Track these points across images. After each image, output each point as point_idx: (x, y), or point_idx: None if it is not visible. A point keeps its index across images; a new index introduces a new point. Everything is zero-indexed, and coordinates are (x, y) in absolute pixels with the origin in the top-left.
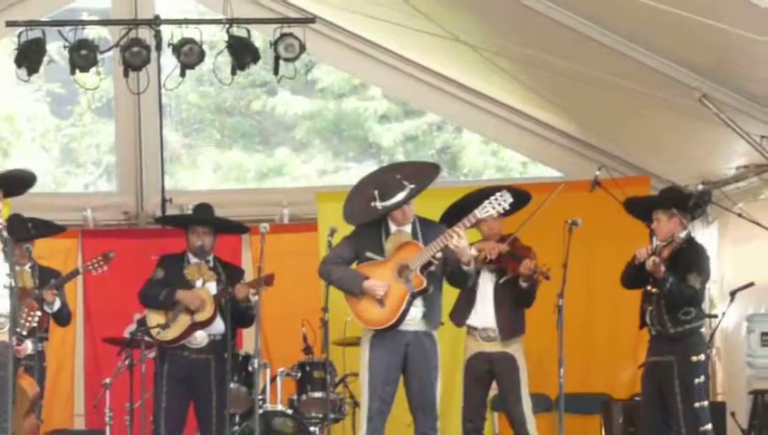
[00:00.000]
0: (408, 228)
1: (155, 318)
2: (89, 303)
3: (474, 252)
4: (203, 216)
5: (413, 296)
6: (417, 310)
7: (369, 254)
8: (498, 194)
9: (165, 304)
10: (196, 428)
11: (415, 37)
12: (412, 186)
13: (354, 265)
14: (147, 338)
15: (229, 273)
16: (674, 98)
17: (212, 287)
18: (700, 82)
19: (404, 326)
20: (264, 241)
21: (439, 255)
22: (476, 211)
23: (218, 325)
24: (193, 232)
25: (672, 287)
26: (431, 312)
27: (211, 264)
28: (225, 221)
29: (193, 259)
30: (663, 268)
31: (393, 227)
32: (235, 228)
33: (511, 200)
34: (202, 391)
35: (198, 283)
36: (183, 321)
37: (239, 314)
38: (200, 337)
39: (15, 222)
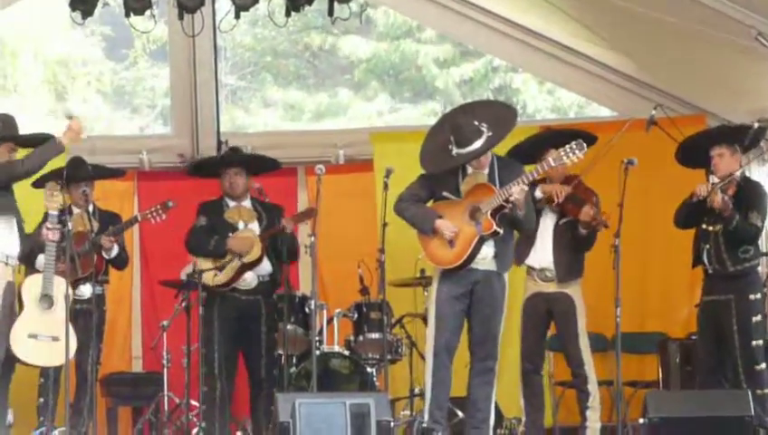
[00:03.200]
0: (485, 169)
1: (204, 265)
2: (145, 245)
3: (538, 193)
4: (229, 156)
5: (482, 239)
6: (488, 249)
7: (445, 193)
8: (574, 143)
9: (216, 253)
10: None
11: None
12: (490, 134)
13: (430, 204)
14: (200, 284)
15: (268, 211)
16: (730, 36)
17: (254, 228)
18: (756, 19)
19: (474, 265)
20: (320, 182)
21: (513, 198)
22: (550, 159)
23: (266, 266)
24: (224, 175)
25: (738, 226)
26: (503, 253)
27: (249, 205)
28: (253, 157)
29: (231, 202)
30: (731, 206)
31: (470, 169)
32: (267, 164)
33: (585, 150)
34: (253, 333)
35: (240, 225)
36: (233, 264)
37: (285, 250)
38: (249, 278)
39: (76, 163)
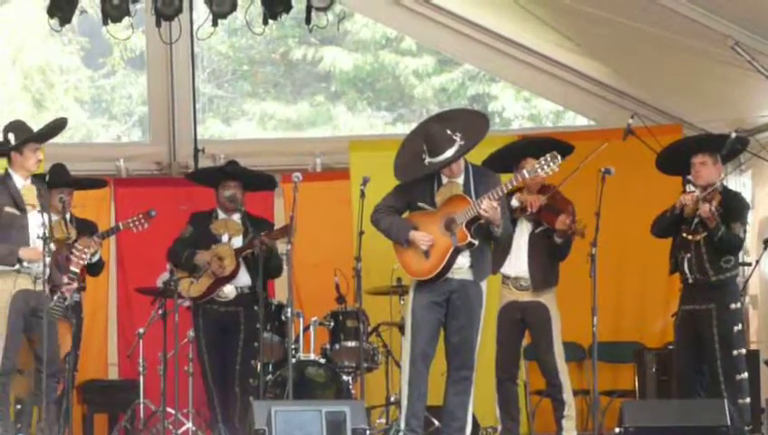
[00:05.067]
0: (460, 179)
1: (180, 275)
2: (122, 252)
3: (515, 202)
4: (233, 169)
5: (457, 250)
6: (464, 259)
7: (420, 204)
8: (549, 156)
9: (186, 266)
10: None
11: None
12: (462, 142)
13: (406, 214)
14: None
15: (259, 227)
16: (706, 46)
17: (238, 242)
18: (733, 29)
19: (450, 274)
20: (296, 190)
21: (482, 212)
22: (525, 171)
23: (243, 278)
24: (223, 186)
25: (723, 236)
26: (479, 262)
27: (239, 219)
28: (255, 174)
29: (221, 215)
30: (717, 216)
31: (445, 178)
32: (264, 182)
33: (560, 162)
34: (231, 344)
35: (224, 238)
36: (206, 277)
37: (263, 266)
38: (228, 290)
39: (57, 170)
